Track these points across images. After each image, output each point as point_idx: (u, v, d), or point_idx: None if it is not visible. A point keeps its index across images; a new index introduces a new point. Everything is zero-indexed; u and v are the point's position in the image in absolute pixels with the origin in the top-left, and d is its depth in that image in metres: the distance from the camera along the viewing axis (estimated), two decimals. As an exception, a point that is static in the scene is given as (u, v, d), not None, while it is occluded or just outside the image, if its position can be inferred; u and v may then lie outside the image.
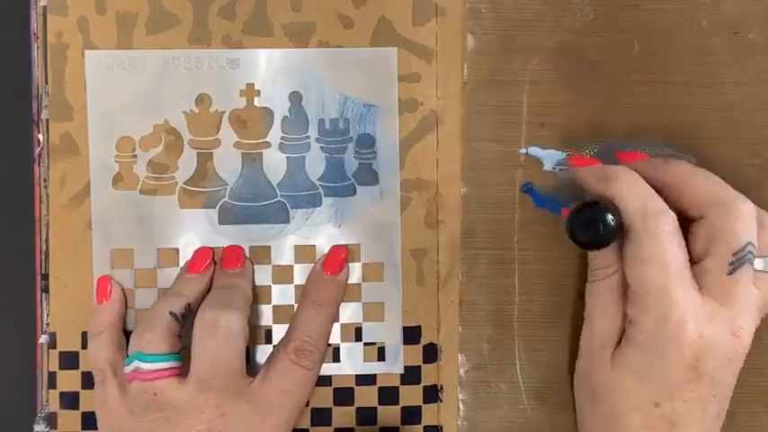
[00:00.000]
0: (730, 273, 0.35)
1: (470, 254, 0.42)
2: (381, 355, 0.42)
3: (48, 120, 0.41)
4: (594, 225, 0.36)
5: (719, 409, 0.37)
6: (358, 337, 0.42)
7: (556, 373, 0.42)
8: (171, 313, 0.38)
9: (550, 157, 0.42)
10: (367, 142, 0.42)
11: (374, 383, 0.42)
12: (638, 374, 0.36)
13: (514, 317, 0.42)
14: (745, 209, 0.36)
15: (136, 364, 0.37)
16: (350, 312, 0.42)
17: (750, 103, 0.41)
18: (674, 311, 0.35)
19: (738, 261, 0.35)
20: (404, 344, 0.42)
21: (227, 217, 0.42)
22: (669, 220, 0.36)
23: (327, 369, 0.42)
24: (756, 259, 0.36)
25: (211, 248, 0.42)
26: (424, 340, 0.42)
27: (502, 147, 0.42)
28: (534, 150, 0.42)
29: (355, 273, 0.42)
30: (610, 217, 0.36)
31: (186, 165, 0.42)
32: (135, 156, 0.42)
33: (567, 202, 0.40)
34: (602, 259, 0.38)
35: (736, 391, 0.38)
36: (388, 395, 0.42)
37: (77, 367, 0.41)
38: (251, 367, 0.41)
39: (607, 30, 0.41)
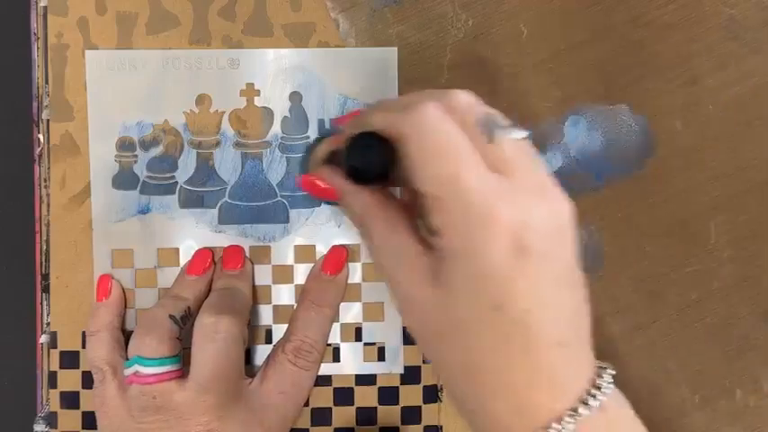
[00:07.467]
0: (489, 141, 0.31)
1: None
2: (381, 355, 0.42)
3: (48, 120, 0.42)
4: (370, 151, 0.33)
5: (578, 297, 0.31)
6: (358, 337, 0.42)
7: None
8: (171, 316, 0.38)
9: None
10: (367, 142, 0.42)
11: (374, 383, 0.42)
12: (466, 286, 0.30)
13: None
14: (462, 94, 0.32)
15: (136, 367, 0.37)
16: (350, 312, 0.42)
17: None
18: (475, 195, 0.30)
19: (485, 127, 0.31)
20: (404, 344, 0.42)
21: (227, 217, 0.42)
22: (437, 106, 0.31)
23: (327, 369, 0.42)
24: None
25: (211, 250, 0.42)
26: (424, 340, 0.42)
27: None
28: None
29: (355, 273, 0.42)
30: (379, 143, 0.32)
31: (186, 165, 0.42)
32: (135, 156, 0.42)
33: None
34: (356, 203, 0.34)
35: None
36: (388, 395, 0.42)
37: (78, 367, 0.41)
38: (250, 367, 0.42)
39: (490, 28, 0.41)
